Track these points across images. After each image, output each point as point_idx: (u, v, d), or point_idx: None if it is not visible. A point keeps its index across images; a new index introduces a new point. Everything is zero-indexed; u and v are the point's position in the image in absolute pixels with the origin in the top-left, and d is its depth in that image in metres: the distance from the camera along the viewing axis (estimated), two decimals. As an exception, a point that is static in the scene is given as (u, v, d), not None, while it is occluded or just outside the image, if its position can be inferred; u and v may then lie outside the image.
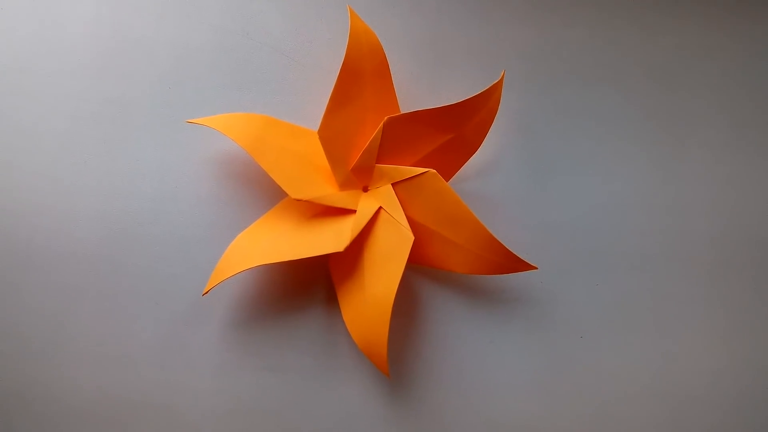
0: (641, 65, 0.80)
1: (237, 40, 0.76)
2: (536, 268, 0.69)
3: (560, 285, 0.75)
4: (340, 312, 0.70)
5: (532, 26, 0.80)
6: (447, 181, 0.74)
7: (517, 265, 0.69)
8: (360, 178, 0.71)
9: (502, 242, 0.68)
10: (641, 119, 0.79)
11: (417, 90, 0.77)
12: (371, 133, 0.70)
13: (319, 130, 0.67)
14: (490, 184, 0.77)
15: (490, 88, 0.69)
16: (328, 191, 0.69)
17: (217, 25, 0.76)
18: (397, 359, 0.72)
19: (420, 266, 0.74)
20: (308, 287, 0.73)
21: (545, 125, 0.78)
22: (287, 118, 0.73)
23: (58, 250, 0.71)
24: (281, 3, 0.77)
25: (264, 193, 0.74)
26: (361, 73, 0.69)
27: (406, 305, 0.73)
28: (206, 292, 0.66)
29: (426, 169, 0.68)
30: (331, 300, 0.73)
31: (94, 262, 0.72)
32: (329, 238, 0.68)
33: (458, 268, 0.70)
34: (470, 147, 0.72)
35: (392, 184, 0.70)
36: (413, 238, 0.66)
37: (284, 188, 0.67)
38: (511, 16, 0.79)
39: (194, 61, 0.76)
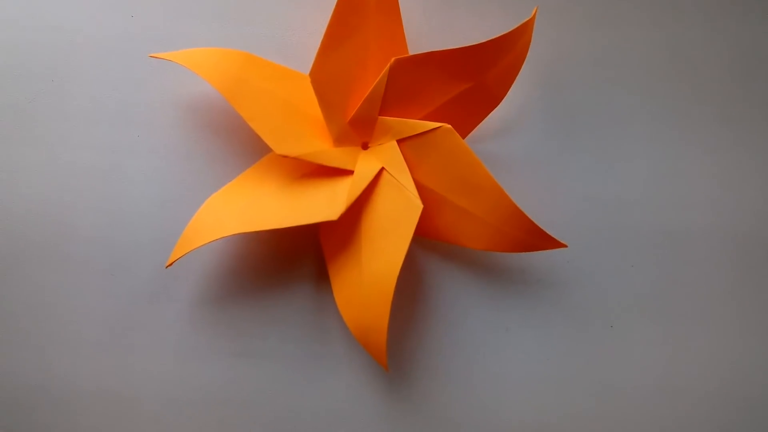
0: (699, 8, 0.68)
1: (214, -39, 0.64)
2: (565, 246, 0.58)
3: (589, 265, 0.64)
4: (332, 291, 0.59)
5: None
6: (463, 138, 0.62)
7: (543, 242, 0.58)
8: (359, 132, 0.59)
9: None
10: (697, 76, 0.67)
11: (429, 26, 0.65)
12: (374, 77, 0.58)
13: (310, 73, 0.55)
14: (512, 145, 0.65)
15: (519, 27, 0.57)
16: (320, 147, 0.58)
17: (191, -58, 0.63)
18: (397, 348, 0.61)
19: (426, 239, 0.62)
20: (293, 259, 0.62)
21: (579, 77, 0.66)
22: (273, 57, 0.61)
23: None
24: None
25: (243, 146, 0.62)
26: (364, 4, 0.57)
27: (409, 284, 0.62)
28: (170, 264, 0.55)
29: (439, 124, 0.56)
30: (321, 275, 0.62)
31: (36, 225, 0.60)
32: (320, 204, 0.56)
33: (473, 244, 0.59)
34: (491, 99, 0.61)
35: (397, 141, 0.58)
36: (422, 206, 0.55)
37: (267, 141, 0.55)
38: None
39: (162, -16, 0.63)
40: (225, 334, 0.60)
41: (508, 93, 0.60)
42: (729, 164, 0.66)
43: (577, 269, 0.64)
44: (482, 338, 0.62)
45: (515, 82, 0.60)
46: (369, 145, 0.60)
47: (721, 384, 0.63)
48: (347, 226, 0.58)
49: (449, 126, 0.56)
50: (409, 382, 0.61)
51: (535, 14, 0.58)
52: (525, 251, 0.59)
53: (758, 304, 0.64)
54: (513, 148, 0.65)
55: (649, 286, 0.64)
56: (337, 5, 0.55)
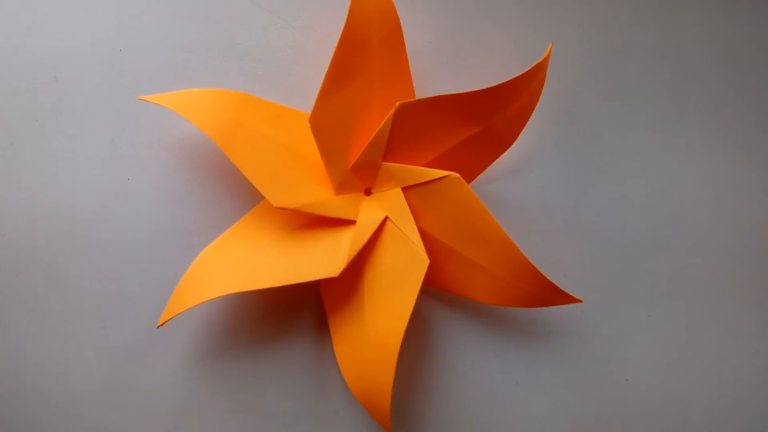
0: (717, 41, 0.64)
1: (208, -10, 0.60)
2: (580, 301, 0.55)
3: (604, 315, 0.61)
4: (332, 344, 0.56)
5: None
6: (469, 183, 0.59)
7: (556, 297, 0.55)
8: (362, 178, 0.55)
9: (534, 260, 0.53)
10: (720, 108, 0.63)
11: (437, 65, 0.61)
12: (378, 119, 0.54)
13: (310, 118, 0.51)
14: (523, 186, 0.61)
15: (533, 68, 0.53)
16: (320, 196, 0.54)
17: (183, -29, 0.59)
18: (401, 404, 0.58)
19: (432, 289, 0.59)
20: (293, 310, 0.59)
21: (595, 113, 0.63)
22: (271, 95, 0.57)
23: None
24: (265, -56, 0.60)
25: (239, 188, 0.59)
26: (367, 43, 0.53)
27: (414, 336, 0.59)
28: (161, 325, 0.52)
29: (446, 173, 0.53)
30: (321, 327, 0.58)
31: (24, 272, 0.57)
32: (321, 258, 0.53)
33: (482, 297, 0.56)
34: (502, 142, 0.57)
35: (402, 188, 0.55)
36: (428, 261, 0.52)
37: (263, 193, 0.52)
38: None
39: (152, 16, 0.59)
40: (222, 390, 0.57)
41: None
42: (757, 204, 0.63)
43: (590, 319, 0.60)
44: (491, 392, 0.59)
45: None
46: (372, 190, 0.56)
47: (741, 438, 0.60)
48: (349, 278, 0.55)
49: (457, 175, 0.53)
50: (414, 441, 0.59)
51: (549, 53, 0.54)
52: (537, 306, 0.55)
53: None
54: (523, 188, 0.62)
55: (669, 336, 0.61)
56: (339, 44, 0.52)
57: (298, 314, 0.59)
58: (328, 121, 0.53)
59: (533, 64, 0.53)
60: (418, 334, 0.60)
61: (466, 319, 0.60)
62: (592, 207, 0.62)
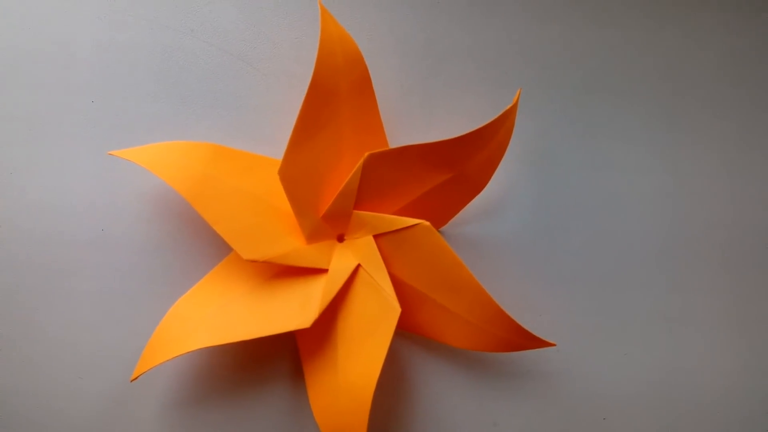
0: (685, 78, 0.65)
1: (179, 39, 0.60)
2: (553, 345, 0.55)
3: (580, 355, 0.61)
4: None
5: (552, 27, 0.64)
6: (442, 226, 0.59)
7: (529, 342, 0.55)
8: (333, 226, 0.56)
9: (509, 301, 0.54)
10: (687, 147, 0.64)
11: (407, 108, 0.62)
12: (349, 170, 0.54)
13: (279, 170, 0.51)
14: (495, 228, 0.62)
15: (501, 115, 0.54)
16: (291, 246, 0.54)
17: (153, 20, 0.60)
18: (378, 449, 0.59)
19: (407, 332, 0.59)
20: (269, 358, 0.59)
21: (566, 154, 0.63)
22: (242, 142, 0.58)
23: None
24: (235, -8, 0.60)
25: (214, 237, 0.59)
26: (336, 92, 0.54)
27: (390, 379, 0.59)
28: (134, 379, 0.52)
29: (417, 221, 0.53)
30: (297, 373, 0.59)
31: (1, 323, 0.57)
32: (293, 309, 0.53)
33: (456, 342, 0.56)
34: (473, 188, 0.57)
35: (374, 236, 0.55)
36: (400, 310, 0.52)
37: (233, 246, 0.52)
38: (527, 15, 0.64)
39: (124, 66, 0.60)
40: (198, 438, 0.58)
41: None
42: (732, 239, 0.63)
43: (567, 359, 0.60)
44: (468, 434, 0.59)
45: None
46: (345, 237, 0.56)
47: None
48: (323, 326, 0.55)
49: (427, 223, 0.53)
50: (391, 489, 0.59)
51: (517, 99, 0.55)
52: (511, 351, 0.56)
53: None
54: (498, 230, 0.62)
55: (645, 375, 0.61)
56: (307, 95, 0.52)
57: (274, 362, 0.59)
58: (298, 172, 0.53)
59: (502, 111, 0.53)
60: (393, 377, 0.60)
61: (444, 361, 0.60)
62: (566, 248, 0.62)
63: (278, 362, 0.59)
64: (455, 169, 0.55)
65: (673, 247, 0.63)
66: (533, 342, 0.55)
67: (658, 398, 0.61)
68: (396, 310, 0.52)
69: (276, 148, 0.58)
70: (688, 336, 0.62)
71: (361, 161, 0.53)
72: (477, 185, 0.57)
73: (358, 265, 0.55)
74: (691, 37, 0.66)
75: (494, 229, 0.62)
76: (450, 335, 0.56)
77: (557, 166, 0.63)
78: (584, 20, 0.65)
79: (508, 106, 0.54)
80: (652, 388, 0.61)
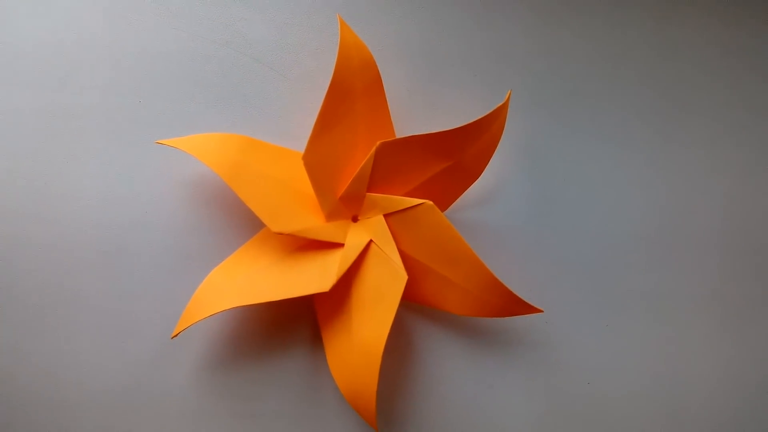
0: (658, 82, 0.74)
1: (215, 49, 0.69)
2: (541, 311, 0.63)
3: (566, 326, 0.68)
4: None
5: (539, 37, 0.73)
6: (444, 211, 0.67)
7: (520, 308, 0.63)
8: (349, 207, 0.64)
9: (504, 278, 0.61)
10: (660, 143, 0.73)
11: (413, 107, 0.71)
12: (362, 157, 0.63)
13: (303, 157, 0.60)
14: (491, 213, 0.70)
15: (494, 111, 0.62)
16: (313, 223, 0.63)
17: (193, 33, 0.69)
18: (387, 407, 0.66)
19: (413, 303, 0.67)
20: (291, 325, 0.67)
21: (553, 149, 0.72)
22: (270, 137, 0.66)
23: (8, 282, 0.64)
24: (264, 9, 0.70)
25: (243, 220, 0.67)
26: (352, 92, 0.63)
27: (397, 346, 0.67)
28: (175, 335, 0.60)
29: (422, 201, 0.62)
30: (316, 339, 0.66)
31: (51, 295, 0.65)
32: (313, 276, 0.61)
33: (455, 309, 0.64)
34: (470, 175, 0.66)
35: (384, 215, 0.63)
36: (407, 277, 0.60)
37: (264, 220, 0.60)
38: (517, 27, 0.73)
39: (167, 72, 0.68)
40: (227, 397, 0.65)
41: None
42: (697, 228, 0.71)
43: (554, 330, 0.68)
44: (466, 395, 0.67)
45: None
46: (358, 217, 0.65)
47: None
48: (339, 295, 0.63)
49: (431, 203, 0.61)
50: (398, 439, 0.66)
51: (508, 98, 0.64)
52: (504, 316, 0.63)
53: (730, 357, 0.69)
54: (491, 216, 0.70)
55: (624, 344, 0.68)
56: (328, 94, 0.61)
57: (295, 327, 0.66)
58: (319, 159, 0.61)
59: (494, 108, 0.62)
60: (401, 345, 0.67)
61: (445, 331, 0.68)
62: (553, 231, 0.70)
63: (299, 329, 0.66)
64: (454, 157, 0.63)
65: (649, 231, 0.71)
66: (524, 308, 0.62)
67: (636, 365, 0.68)
68: (403, 277, 0.60)
69: (298, 142, 0.67)
70: (663, 309, 0.69)
71: (373, 149, 0.61)
72: (473, 173, 0.65)
73: (371, 241, 0.63)
74: (668, 42, 0.75)
75: (489, 214, 0.70)
76: (450, 303, 0.64)
77: (545, 159, 0.71)
78: (569, 32, 0.74)
79: (500, 104, 0.63)
80: (631, 355, 0.68)
